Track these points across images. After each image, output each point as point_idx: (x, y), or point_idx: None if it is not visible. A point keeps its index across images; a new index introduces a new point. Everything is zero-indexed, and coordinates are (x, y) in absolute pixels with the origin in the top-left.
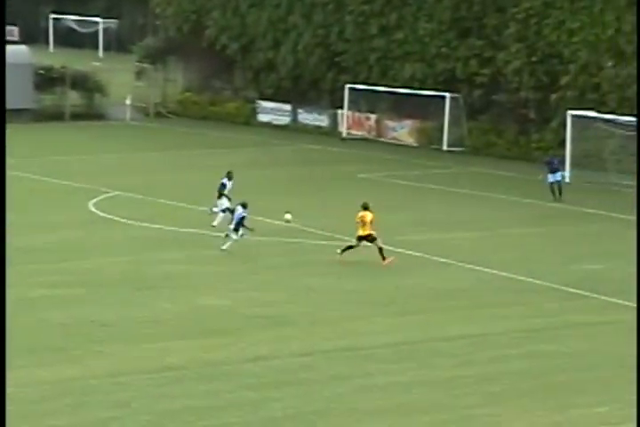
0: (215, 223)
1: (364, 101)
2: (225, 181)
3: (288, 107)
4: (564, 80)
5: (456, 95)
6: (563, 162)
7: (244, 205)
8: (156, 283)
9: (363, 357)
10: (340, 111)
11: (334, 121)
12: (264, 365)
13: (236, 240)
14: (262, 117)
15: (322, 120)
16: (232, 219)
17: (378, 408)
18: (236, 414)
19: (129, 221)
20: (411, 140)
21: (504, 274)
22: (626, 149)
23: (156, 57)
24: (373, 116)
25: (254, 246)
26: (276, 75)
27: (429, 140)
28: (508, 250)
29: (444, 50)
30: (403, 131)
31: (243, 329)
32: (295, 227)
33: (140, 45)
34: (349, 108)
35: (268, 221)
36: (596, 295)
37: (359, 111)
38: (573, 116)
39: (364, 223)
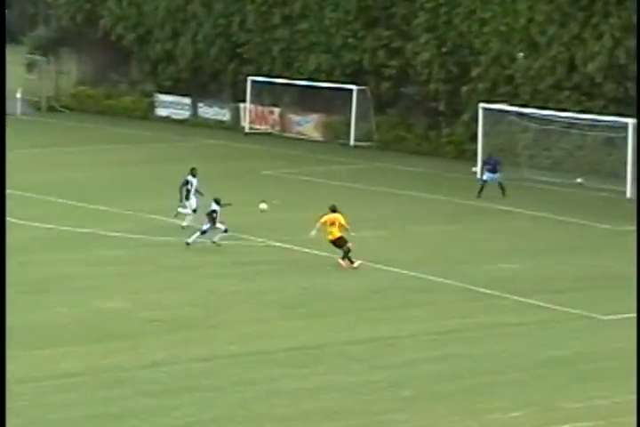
0: (185, 224)
1: (268, 94)
2: (189, 178)
3: (187, 100)
4: (475, 72)
5: (363, 88)
6: (500, 162)
7: (217, 201)
8: (51, 285)
9: (267, 361)
10: (242, 105)
11: (236, 115)
12: (164, 370)
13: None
14: (161, 112)
15: (223, 114)
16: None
17: (283, 415)
18: (133, 423)
19: (20, 221)
20: (316, 135)
21: (414, 274)
22: (539, 144)
23: (48, 48)
24: (277, 110)
25: (154, 247)
26: (175, 67)
27: (336, 135)
28: (418, 249)
29: (350, 40)
30: (308, 125)
31: (141, 333)
32: (197, 227)
33: (30, 36)
34: (252, 102)
35: (168, 220)
36: (509, 296)
37: (262, 105)
38: (485, 109)
39: (334, 226)
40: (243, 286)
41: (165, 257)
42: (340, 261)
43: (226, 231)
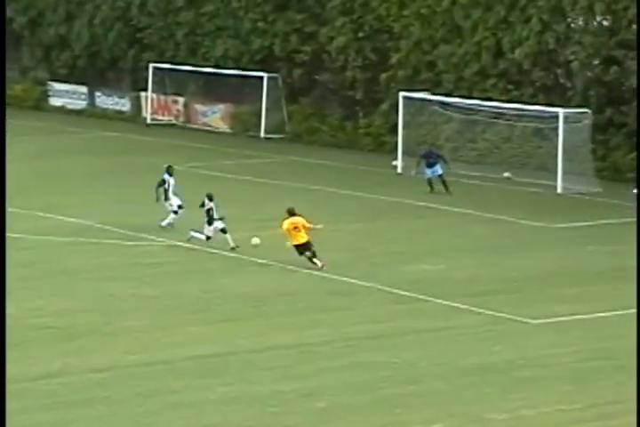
0: (164, 223)
1: (171, 83)
2: (166, 177)
3: (84, 89)
4: (394, 58)
5: (274, 75)
6: (440, 155)
7: (210, 197)
8: None
9: (168, 371)
10: (143, 94)
11: (137, 105)
12: (58, 382)
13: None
14: (55, 101)
15: (123, 104)
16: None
17: None
18: None
19: None
20: (224, 127)
21: (328, 276)
22: (463, 135)
23: None
24: (181, 100)
25: (44, 247)
26: (70, 53)
27: (245, 127)
28: (332, 249)
29: (260, 24)
30: (215, 116)
31: (31, 342)
32: (91, 225)
33: None
34: (154, 91)
35: (60, 218)
36: (432, 299)
37: (165, 94)
38: (405, 98)
39: (298, 230)
40: (142, 289)
41: (57, 259)
42: (317, 262)
43: (208, 239)
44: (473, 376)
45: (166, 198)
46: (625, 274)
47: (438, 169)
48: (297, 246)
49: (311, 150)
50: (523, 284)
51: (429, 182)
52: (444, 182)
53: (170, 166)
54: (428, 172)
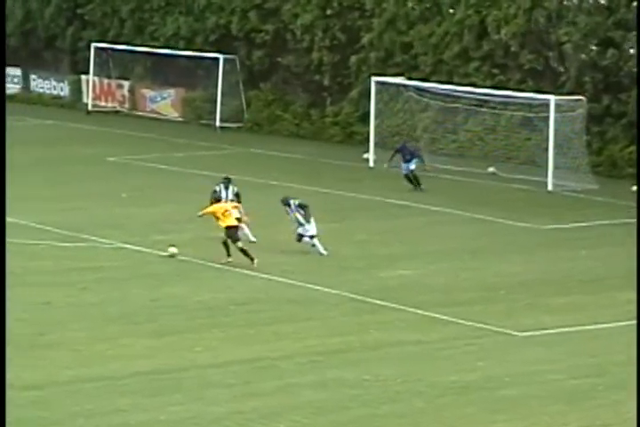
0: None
1: (115, 65)
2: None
3: (17, 71)
4: (365, 38)
5: (231, 57)
6: (413, 152)
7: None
8: None
9: (113, 389)
10: (83, 77)
11: (77, 90)
12: None
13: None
14: None
15: (61, 88)
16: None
17: None
18: None
19: None
20: (175, 114)
21: (289, 281)
22: (442, 126)
23: None
24: (127, 84)
25: None
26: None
27: (198, 115)
28: (293, 252)
29: (215, 0)
30: (164, 102)
31: None
32: (25, 224)
33: None
34: (96, 74)
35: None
36: (405, 308)
37: (108, 77)
38: (378, 83)
39: (228, 214)
40: (81, 297)
41: None
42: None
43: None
44: (453, 395)
45: None
46: (622, 281)
47: (413, 164)
48: (228, 228)
49: (272, 141)
50: (508, 292)
51: (408, 178)
52: (415, 177)
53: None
54: (404, 167)
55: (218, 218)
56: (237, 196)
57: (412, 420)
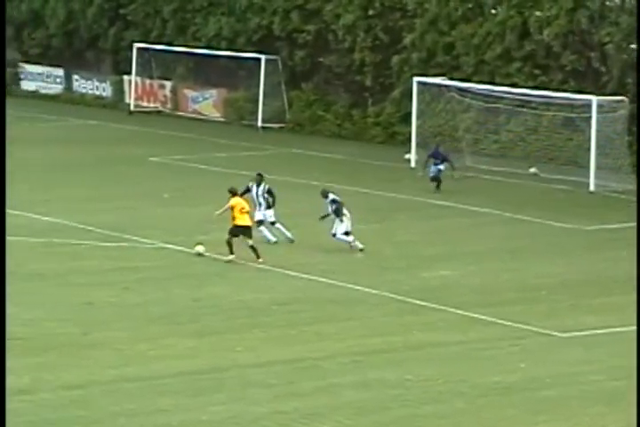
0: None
1: (157, 65)
2: (250, 185)
3: (60, 72)
4: (407, 39)
5: (273, 57)
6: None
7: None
8: None
9: (154, 389)
10: (126, 77)
11: (119, 90)
12: (28, 400)
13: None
14: (27, 85)
15: (103, 89)
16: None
17: None
18: None
19: None
20: (216, 115)
21: (330, 282)
22: (484, 126)
23: None
24: (169, 84)
25: (13, 249)
26: (44, 31)
27: (240, 115)
28: (335, 252)
29: (257, 0)
30: (206, 102)
31: None
32: (67, 224)
33: None
34: (138, 74)
35: (31, 216)
36: (446, 308)
37: (151, 78)
38: (420, 83)
39: (244, 212)
40: (124, 297)
41: (28, 262)
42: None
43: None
44: (495, 396)
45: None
46: None
47: (440, 165)
48: (238, 227)
49: (314, 142)
50: (549, 292)
51: (436, 180)
52: (438, 180)
53: (260, 174)
54: (433, 169)
55: (235, 215)
56: (270, 193)
57: (454, 421)
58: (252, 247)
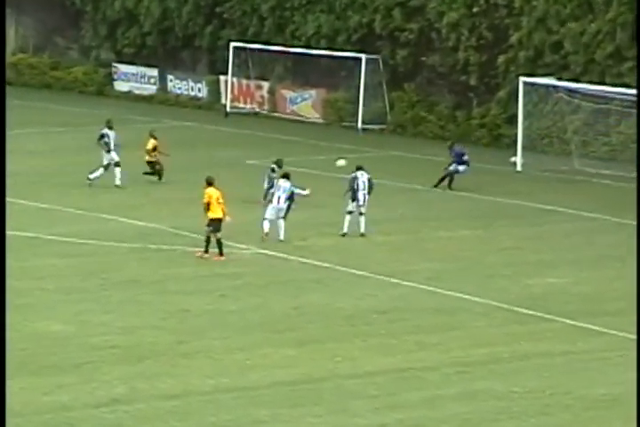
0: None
1: (255, 65)
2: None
3: (154, 72)
4: (514, 37)
5: (374, 57)
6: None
7: (287, 176)
8: None
9: (251, 399)
10: (222, 78)
11: (215, 91)
12: (124, 410)
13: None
14: (120, 86)
15: (198, 89)
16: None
17: None
18: None
19: None
20: (315, 116)
21: (432, 289)
22: (594, 128)
23: None
24: (266, 85)
25: (106, 255)
26: (138, 30)
27: (340, 116)
28: (438, 258)
29: None
30: (305, 103)
31: (93, 364)
32: (162, 229)
33: None
34: (235, 74)
35: (124, 220)
36: (553, 317)
37: (247, 78)
38: (527, 83)
39: (219, 204)
40: (220, 304)
41: (121, 268)
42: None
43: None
44: (600, 409)
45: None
46: None
47: (461, 167)
48: (212, 220)
49: (416, 144)
50: None
51: (449, 177)
52: (446, 179)
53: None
54: (453, 167)
55: (209, 206)
56: (286, 177)
57: None
58: (218, 242)
